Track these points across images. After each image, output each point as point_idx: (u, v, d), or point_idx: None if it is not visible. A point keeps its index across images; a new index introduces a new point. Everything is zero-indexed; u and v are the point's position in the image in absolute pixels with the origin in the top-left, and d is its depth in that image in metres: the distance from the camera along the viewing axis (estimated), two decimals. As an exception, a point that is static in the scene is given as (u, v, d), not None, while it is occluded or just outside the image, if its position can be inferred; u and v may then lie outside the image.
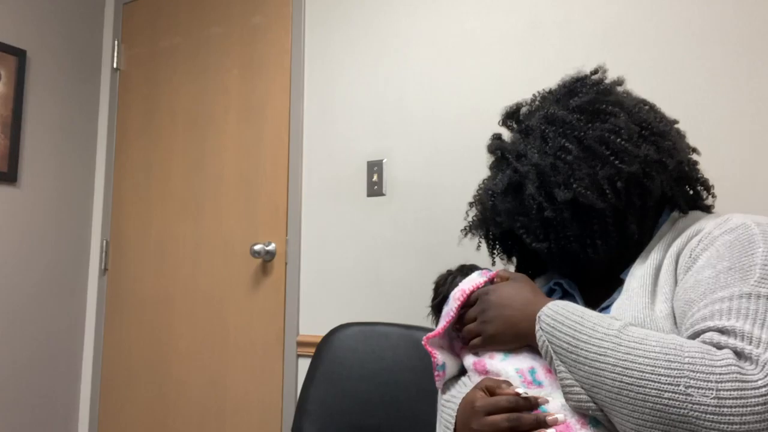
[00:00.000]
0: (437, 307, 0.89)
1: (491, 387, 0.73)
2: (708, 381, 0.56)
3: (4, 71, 2.01)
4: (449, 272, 0.92)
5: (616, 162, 0.78)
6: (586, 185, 0.78)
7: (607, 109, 0.82)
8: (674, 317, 0.70)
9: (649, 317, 0.70)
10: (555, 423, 0.67)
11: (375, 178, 1.66)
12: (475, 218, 0.98)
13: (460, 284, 0.85)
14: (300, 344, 1.73)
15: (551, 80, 1.42)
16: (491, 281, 0.84)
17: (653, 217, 0.84)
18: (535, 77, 1.45)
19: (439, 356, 0.84)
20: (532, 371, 0.72)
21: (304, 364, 1.72)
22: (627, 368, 0.60)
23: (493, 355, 0.78)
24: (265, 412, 1.77)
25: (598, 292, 0.86)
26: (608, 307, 0.80)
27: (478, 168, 1.51)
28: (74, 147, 2.24)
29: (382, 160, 1.66)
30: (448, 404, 0.81)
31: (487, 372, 0.77)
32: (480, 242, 1.05)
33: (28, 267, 2.06)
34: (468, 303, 0.83)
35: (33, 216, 2.08)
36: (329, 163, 1.76)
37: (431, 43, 1.62)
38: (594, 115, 0.82)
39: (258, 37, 1.95)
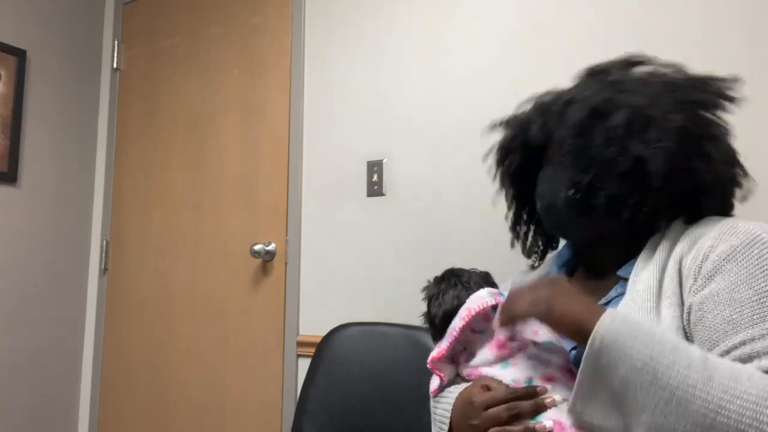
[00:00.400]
0: (441, 324, 0.84)
1: (490, 385, 0.73)
2: None
3: (4, 71, 2.01)
4: (437, 284, 0.88)
5: (707, 160, 0.77)
6: (666, 158, 0.76)
7: (715, 119, 0.80)
8: (680, 321, 0.70)
9: (658, 321, 0.70)
10: (553, 404, 0.67)
11: (375, 178, 1.66)
12: (510, 127, 0.94)
13: (467, 302, 0.80)
14: (300, 344, 1.73)
15: (552, 80, 1.42)
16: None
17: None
18: (536, 76, 1.45)
19: (446, 377, 0.82)
20: (529, 381, 0.72)
21: (304, 364, 1.72)
22: (723, 407, 0.58)
23: (492, 365, 0.77)
24: (265, 412, 1.77)
25: (593, 286, 0.85)
26: (607, 304, 0.80)
27: (478, 167, 1.51)
28: (74, 147, 2.24)
29: (382, 160, 1.66)
30: (444, 400, 0.81)
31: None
32: (496, 171, 1.01)
33: (28, 267, 2.06)
34: (471, 325, 0.79)
35: (33, 216, 2.08)
36: (329, 163, 1.76)
37: (431, 42, 1.62)
38: (707, 109, 0.81)
39: (258, 37, 1.95)
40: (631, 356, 0.62)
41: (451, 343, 0.79)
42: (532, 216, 1.02)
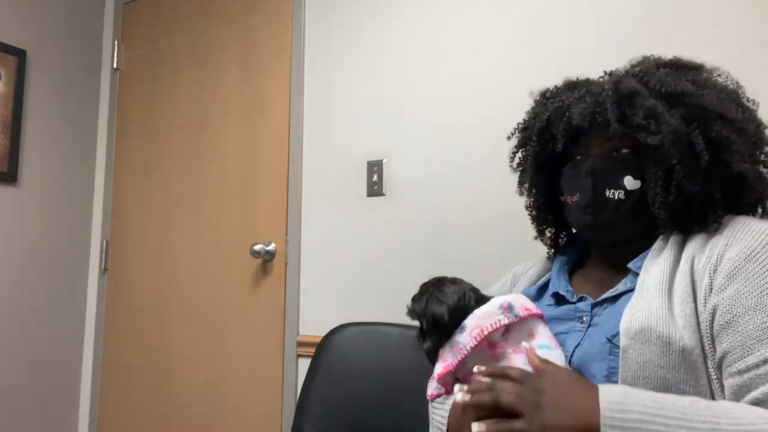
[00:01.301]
0: (441, 332, 0.80)
1: None
2: None
3: (4, 71, 2.01)
4: (426, 291, 0.84)
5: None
6: (740, 158, 0.76)
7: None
8: (695, 320, 0.69)
9: (671, 317, 0.69)
10: None
11: (375, 178, 1.66)
12: (554, 108, 0.87)
13: (475, 318, 0.77)
14: (300, 344, 1.72)
15: (552, 80, 1.42)
16: (510, 321, 0.76)
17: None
18: (536, 77, 1.45)
19: (450, 388, 0.81)
20: None
21: (304, 364, 1.72)
22: None
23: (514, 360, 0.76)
24: (265, 412, 1.77)
25: (601, 278, 0.85)
26: (615, 297, 0.79)
27: (477, 167, 1.51)
28: (74, 147, 2.24)
29: (382, 160, 1.66)
30: (441, 406, 0.81)
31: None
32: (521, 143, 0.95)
33: (28, 267, 2.06)
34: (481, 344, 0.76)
35: (33, 216, 2.08)
36: (329, 163, 1.76)
37: (431, 42, 1.62)
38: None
39: (258, 37, 1.95)
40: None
41: (460, 361, 0.77)
42: (550, 207, 0.95)
